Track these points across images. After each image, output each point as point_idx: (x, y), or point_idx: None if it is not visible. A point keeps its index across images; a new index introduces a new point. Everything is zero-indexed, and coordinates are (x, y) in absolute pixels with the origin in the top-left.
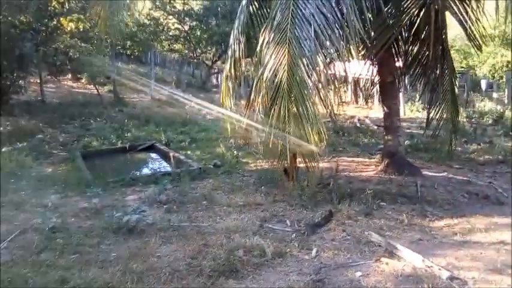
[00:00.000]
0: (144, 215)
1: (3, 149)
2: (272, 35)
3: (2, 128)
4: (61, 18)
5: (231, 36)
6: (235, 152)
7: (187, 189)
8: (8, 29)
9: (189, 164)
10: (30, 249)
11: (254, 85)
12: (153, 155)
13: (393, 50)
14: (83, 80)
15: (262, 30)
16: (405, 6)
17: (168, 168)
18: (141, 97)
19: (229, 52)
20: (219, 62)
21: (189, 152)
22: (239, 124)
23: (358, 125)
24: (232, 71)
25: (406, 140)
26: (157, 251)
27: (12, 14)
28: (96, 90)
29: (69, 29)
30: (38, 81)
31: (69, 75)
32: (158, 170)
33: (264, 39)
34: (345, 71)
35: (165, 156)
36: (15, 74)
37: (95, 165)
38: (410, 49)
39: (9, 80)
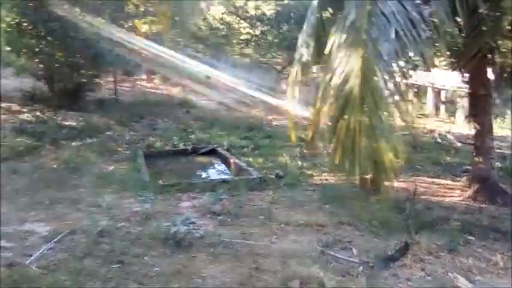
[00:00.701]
0: (193, 227)
1: (72, 144)
2: (344, 36)
3: (75, 124)
4: (135, 20)
5: (299, 39)
6: (299, 162)
7: (245, 200)
8: (85, 28)
9: (249, 172)
10: (74, 254)
11: (322, 92)
12: (214, 160)
13: (487, 59)
14: (156, 81)
15: (333, 30)
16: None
17: (227, 175)
18: (210, 99)
19: (297, 56)
20: (291, 69)
21: (250, 159)
22: (305, 133)
23: (439, 140)
24: (299, 76)
25: (497, 162)
26: (204, 270)
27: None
28: (167, 91)
29: (143, 30)
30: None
31: (144, 75)
32: (217, 176)
33: (334, 41)
34: (429, 80)
35: (225, 162)
36: (90, 73)
37: (155, 166)
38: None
39: (85, 78)
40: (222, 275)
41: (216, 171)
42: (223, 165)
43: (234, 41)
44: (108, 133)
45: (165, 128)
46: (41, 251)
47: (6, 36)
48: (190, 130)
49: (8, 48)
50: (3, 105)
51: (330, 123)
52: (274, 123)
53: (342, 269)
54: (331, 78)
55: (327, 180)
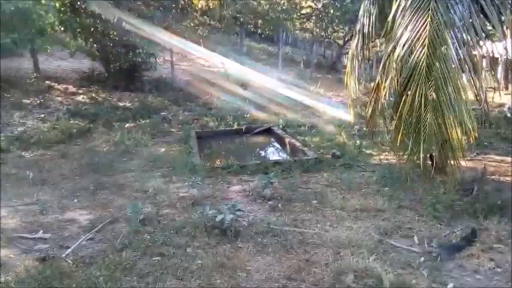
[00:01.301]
0: (241, 214)
1: (125, 125)
2: (409, 0)
3: (130, 104)
4: None
5: (361, 9)
6: (358, 141)
7: (298, 183)
8: (139, 7)
9: (304, 152)
10: (113, 245)
11: (382, 65)
12: (268, 140)
13: None
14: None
15: None
16: None
17: (281, 156)
18: (269, 77)
19: (358, 27)
20: (351, 42)
21: (306, 139)
22: (364, 110)
23: (508, 115)
24: (360, 48)
25: None
26: (249, 263)
27: None
28: (224, 70)
29: (199, 6)
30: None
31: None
32: (270, 157)
33: (398, 6)
34: (500, 49)
35: (280, 142)
36: (146, 52)
37: (208, 148)
38: None
39: (140, 57)
40: (268, 269)
41: (270, 152)
42: (278, 145)
43: (295, 16)
44: (162, 113)
45: (220, 108)
46: (78, 242)
47: (59, 16)
48: (246, 109)
49: (62, 28)
50: (59, 86)
51: (392, 99)
52: (334, 99)
53: (401, 261)
54: (394, 49)
55: (387, 160)
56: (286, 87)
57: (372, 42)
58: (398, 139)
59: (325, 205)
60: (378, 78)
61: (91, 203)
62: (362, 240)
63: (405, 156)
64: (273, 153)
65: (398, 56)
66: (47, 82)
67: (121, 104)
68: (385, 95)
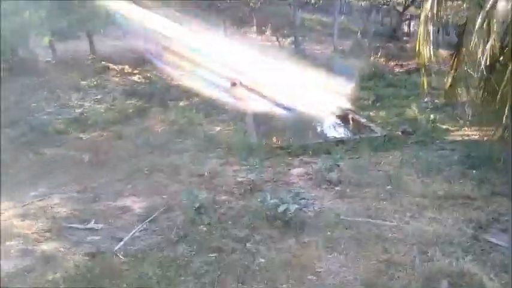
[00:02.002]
0: (305, 203)
1: (180, 103)
2: None
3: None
4: None
5: None
6: (431, 115)
7: (367, 164)
8: None
9: (371, 128)
10: (168, 237)
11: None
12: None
13: None
14: (267, 33)
15: None
16: None
17: (345, 134)
18: (324, 48)
19: None
20: (412, 8)
21: (371, 113)
22: (440, 79)
23: None
24: (435, 10)
25: None
26: (319, 264)
27: None
28: (277, 42)
29: None
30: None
31: (254, 28)
32: (332, 135)
33: None
34: None
35: (343, 118)
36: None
37: (264, 125)
38: None
39: None
40: (342, 271)
41: (333, 129)
42: (341, 121)
43: None
44: (217, 90)
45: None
46: (131, 234)
47: None
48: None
49: None
50: (115, 67)
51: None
52: (397, 69)
53: (504, 263)
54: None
55: (468, 136)
56: (344, 58)
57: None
58: (485, 112)
59: (402, 191)
60: (463, 43)
61: (145, 188)
62: (452, 235)
63: (492, 132)
64: (336, 129)
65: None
66: (103, 63)
67: (175, 83)
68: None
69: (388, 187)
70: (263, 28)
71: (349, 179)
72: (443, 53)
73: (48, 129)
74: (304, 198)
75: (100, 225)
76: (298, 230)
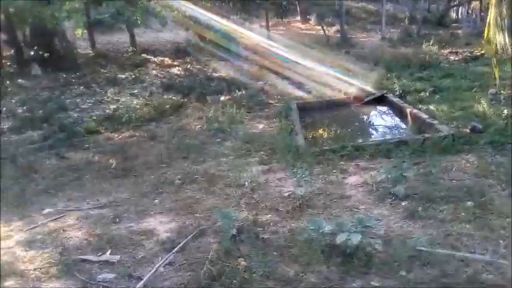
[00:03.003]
0: (370, 230)
1: (221, 98)
2: None
3: (225, 74)
4: None
5: None
6: (504, 109)
7: (437, 172)
8: None
9: (434, 126)
10: (198, 276)
11: None
12: (384, 110)
13: None
14: (312, 21)
15: None
16: None
17: (405, 132)
18: (370, 36)
19: None
20: None
21: (431, 107)
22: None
23: None
24: None
25: None
26: None
27: None
28: (323, 31)
29: None
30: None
31: (298, 17)
32: (391, 134)
33: None
34: None
35: (399, 113)
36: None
37: (312, 123)
38: None
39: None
40: None
41: (389, 127)
42: (397, 118)
43: None
44: (259, 83)
45: (321, 73)
46: (154, 269)
47: None
48: (351, 74)
49: None
50: (156, 59)
51: None
52: (452, 57)
53: None
54: None
55: None
56: (393, 46)
57: None
58: None
59: (487, 209)
60: None
61: (175, 205)
62: None
63: None
64: (393, 128)
65: None
66: (143, 55)
67: (216, 75)
68: None
69: (469, 203)
70: (307, 17)
71: (418, 191)
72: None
73: (78, 128)
74: (368, 226)
75: (117, 257)
76: (363, 269)
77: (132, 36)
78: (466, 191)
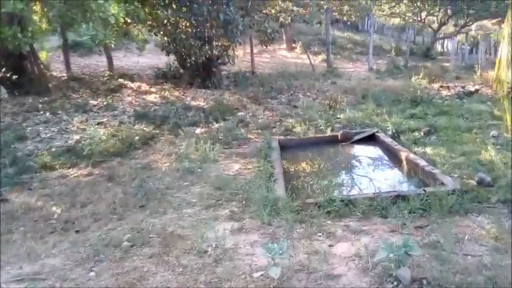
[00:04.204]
0: None
1: (196, 131)
2: None
3: (204, 103)
4: None
5: None
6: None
7: (448, 242)
8: None
9: (435, 176)
10: None
11: None
12: (375, 152)
13: None
14: (297, 50)
15: None
16: None
17: (401, 183)
18: (357, 67)
19: None
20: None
21: (428, 150)
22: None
23: None
24: None
25: None
26: None
27: None
28: (309, 60)
29: None
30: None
31: (284, 45)
32: (385, 184)
33: None
34: None
35: (393, 156)
36: (223, 44)
37: (295, 165)
38: None
39: (217, 50)
40: None
41: (382, 175)
42: (391, 163)
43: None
44: (239, 114)
45: (308, 106)
46: None
47: (124, 6)
48: (338, 107)
49: (128, 20)
50: (133, 85)
51: None
52: (444, 92)
53: None
54: None
55: None
56: (381, 78)
57: None
58: None
59: None
60: None
61: (114, 280)
62: None
63: None
64: (387, 177)
65: None
66: (120, 80)
67: (194, 104)
68: None
69: None
70: (293, 45)
71: (427, 273)
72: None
73: (31, 163)
74: None
75: None
76: None
77: (110, 60)
78: (491, 275)
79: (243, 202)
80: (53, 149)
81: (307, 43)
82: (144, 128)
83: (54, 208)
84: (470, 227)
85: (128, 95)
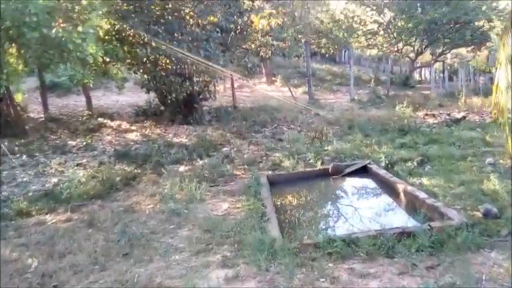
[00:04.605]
0: None
1: (179, 169)
2: None
3: (186, 140)
4: (252, 15)
5: None
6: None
7: (464, 283)
8: (194, 29)
9: (437, 209)
10: None
11: None
12: (369, 185)
13: None
14: (277, 83)
15: None
16: None
17: (402, 217)
18: (338, 98)
19: None
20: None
21: (425, 181)
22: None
23: None
24: None
25: None
26: None
27: (200, 15)
28: (290, 93)
29: (260, 27)
30: (231, 85)
31: (264, 78)
32: (387, 220)
33: None
34: None
35: (389, 189)
36: (203, 79)
37: (287, 201)
38: None
39: (198, 86)
40: None
41: (381, 209)
42: (387, 195)
43: (360, 32)
44: (224, 149)
45: (293, 138)
46: None
47: (102, 45)
48: (325, 139)
49: (107, 59)
50: (112, 124)
51: None
52: (431, 120)
53: None
54: None
55: None
56: (364, 108)
57: None
58: None
59: None
60: None
61: None
62: None
63: None
64: (386, 212)
65: None
66: (100, 119)
67: (176, 140)
68: None
69: None
70: (273, 78)
71: None
72: None
73: (8, 208)
74: None
75: None
76: None
77: (89, 99)
78: None
79: (236, 246)
80: (30, 194)
81: (287, 76)
82: (126, 168)
83: (30, 260)
84: (485, 265)
85: (108, 134)
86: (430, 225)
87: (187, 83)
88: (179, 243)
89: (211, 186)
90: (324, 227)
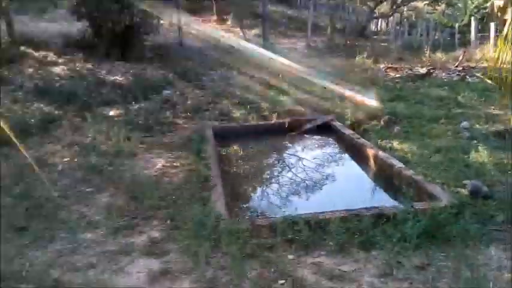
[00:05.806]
0: None
1: (110, 113)
2: None
3: (121, 79)
4: None
5: None
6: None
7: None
8: None
9: (417, 183)
10: None
11: None
12: (333, 146)
13: None
14: (229, 22)
15: None
16: None
17: (376, 189)
18: (293, 43)
19: None
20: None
21: (395, 145)
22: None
23: None
24: None
25: None
26: None
27: None
28: (242, 34)
29: None
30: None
31: (214, 16)
32: (358, 195)
33: None
34: None
35: (356, 152)
36: (146, 10)
37: (234, 161)
38: None
39: (139, 17)
40: None
41: (349, 179)
42: (352, 160)
43: None
44: (165, 92)
45: (245, 85)
46: None
47: None
48: (281, 88)
49: None
50: (37, 54)
51: None
52: (393, 74)
53: None
54: None
55: None
56: (321, 55)
57: None
58: None
59: None
60: None
61: None
62: None
63: None
64: (357, 183)
65: None
66: (22, 48)
67: (110, 78)
68: None
69: None
70: (224, 17)
71: None
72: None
73: None
74: None
75: None
76: None
77: (10, 24)
78: None
79: (168, 222)
80: None
81: (240, 16)
82: (44, 108)
83: None
84: (487, 266)
85: (30, 66)
86: (413, 207)
87: (126, 12)
88: (95, 215)
89: (145, 136)
90: (281, 203)
